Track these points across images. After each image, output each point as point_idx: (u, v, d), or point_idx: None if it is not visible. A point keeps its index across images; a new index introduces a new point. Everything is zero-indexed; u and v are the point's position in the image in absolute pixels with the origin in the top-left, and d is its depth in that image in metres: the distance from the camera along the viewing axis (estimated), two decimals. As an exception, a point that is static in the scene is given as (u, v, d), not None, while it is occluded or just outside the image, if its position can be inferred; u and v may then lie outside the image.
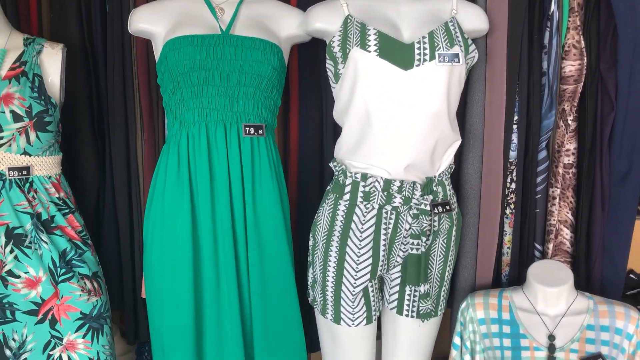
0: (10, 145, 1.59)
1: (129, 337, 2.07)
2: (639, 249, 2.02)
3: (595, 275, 1.75)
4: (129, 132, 1.95)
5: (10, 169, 1.61)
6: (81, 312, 1.65)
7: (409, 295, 1.64)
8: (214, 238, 1.59)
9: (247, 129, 1.58)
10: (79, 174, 1.97)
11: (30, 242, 1.62)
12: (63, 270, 1.64)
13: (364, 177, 1.55)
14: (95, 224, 2.02)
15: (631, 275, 2.16)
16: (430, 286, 1.64)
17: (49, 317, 1.64)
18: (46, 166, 1.67)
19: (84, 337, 1.67)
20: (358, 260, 1.58)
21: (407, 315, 1.66)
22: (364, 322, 1.64)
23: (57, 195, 1.69)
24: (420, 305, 1.63)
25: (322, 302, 1.66)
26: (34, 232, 1.62)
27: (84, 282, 1.66)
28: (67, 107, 1.83)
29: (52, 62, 1.68)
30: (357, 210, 1.57)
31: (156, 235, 1.63)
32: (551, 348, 1.54)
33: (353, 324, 1.63)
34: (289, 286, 1.67)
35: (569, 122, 1.71)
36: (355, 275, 1.59)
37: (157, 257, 1.63)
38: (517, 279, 1.79)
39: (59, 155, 1.71)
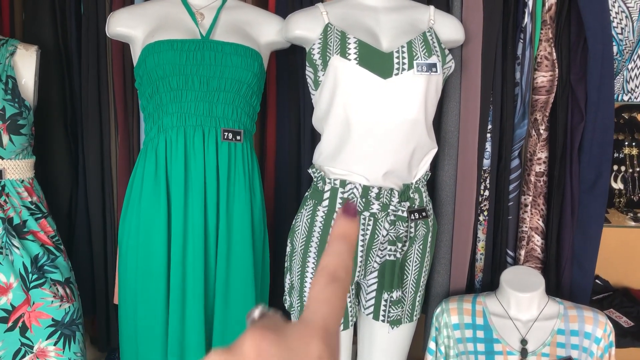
0: (-18, 148, 1.56)
1: (101, 344, 2.04)
2: (605, 256, 2.09)
3: (564, 281, 1.80)
4: (102, 136, 1.92)
5: (-19, 172, 1.57)
6: (53, 319, 1.63)
7: (385, 300, 1.66)
8: (183, 244, 1.58)
9: (226, 134, 1.58)
10: (51, 177, 1.93)
11: (1, 247, 1.59)
12: (35, 276, 1.61)
13: (343, 183, 1.56)
14: (67, 228, 1.98)
15: (597, 281, 2.22)
16: (405, 292, 1.67)
17: (20, 324, 1.61)
18: (19, 170, 1.64)
19: (55, 344, 1.64)
20: (336, 266, 1.59)
21: (383, 321, 1.68)
22: (341, 327, 1.65)
23: (29, 200, 1.66)
24: (392, 311, 1.65)
25: (299, 307, 1.67)
26: (5, 237, 1.59)
27: (56, 288, 1.64)
28: (39, 110, 1.80)
29: (26, 63, 1.65)
30: (335, 216, 1.58)
31: (131, 241, 1.62)
32: (523, 352, 1.58)
33: (330, 330, 1.64)
34: (248, 292, 1.66)
35: (541, 131, 1.75)
36: (333, 281, 1.60)
37: (132, 263, 1.62)
38: (490, 285, 1.82)
39: (32, 159, 1.68)
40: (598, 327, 1.60)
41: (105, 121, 1.92)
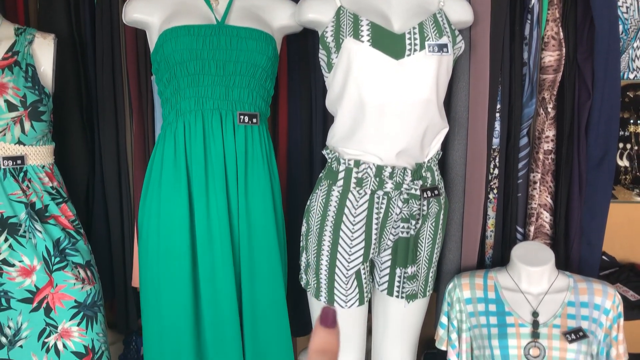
0: (4, 134, 1.59)
1: (120, 327, 2.09)
2: (611, 232, 2.13)
3: (573, 256, 1.84)
4: (118, 122, 1.96)
5: (4, 158, 1.61)
6: (75, 301, 1.67)
7: (399, 277, 1.71)
8: (208, 225, 1.63)
9: (242, 117, 1.62)
10: (68, 164, 1.97)
11: (25, 231, 1.63)
12: (57, 259, 1.65)
13: (357, 163, 1.60)
14: (85, 214, 2.02)
15: (604, 257, 2.26)
16: (418, 268, 1.71)
17: (44, 305, 1.65)
18: (40, 156, 1.67)
19: (78, 325, 1.68)
20: (351, 244, 1.64)
21: (397, 297, 1.73)
22: (357, 303, 1.69)
23: (50, 185, 1.69)
24: (407, 286, 1.70)
25: (315, 285, 1.71)
26: (28, 221, 1.63)
27: (78, 271, 1.68)
28: (56, 98, 1.83)
29: (44, 52, 1.69)
30: (350, 196, 1.62)
31: (152, 224, 1.66)
32: (535, 324, 1.63)
33: (346, 306, 1.69)
34: (275, 270, 1.70)
35: (549, 110, 1.79)
36: (349, 259, 1.65)
37: (154, 245, 1.66)
38: (501, 261, 1.87)
39: (51, 145, 1.72)
40: (607, 298, 1.64)
41: (120, 108, 1.95)
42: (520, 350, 1.61)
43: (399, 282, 1.71)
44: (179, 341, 1.67)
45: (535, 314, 1.64)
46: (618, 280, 2.17)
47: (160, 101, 1.70)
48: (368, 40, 1.53)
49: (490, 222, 1.86)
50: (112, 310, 2.15)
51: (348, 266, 1.65)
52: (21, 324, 1.65)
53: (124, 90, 1.95)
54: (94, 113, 1.98)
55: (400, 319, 1.76)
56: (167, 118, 1.65)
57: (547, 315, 1.64)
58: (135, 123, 1.96)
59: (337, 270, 1.66)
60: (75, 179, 1.99)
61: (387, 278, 1.73)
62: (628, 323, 1.86)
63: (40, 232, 1.63)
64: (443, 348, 1.76)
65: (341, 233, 1.63)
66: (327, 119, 1.92)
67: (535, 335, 1.62)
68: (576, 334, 1.59)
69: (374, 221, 1.63)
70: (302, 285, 1.79)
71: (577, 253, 1.84)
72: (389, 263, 1.71)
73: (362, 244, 1.64)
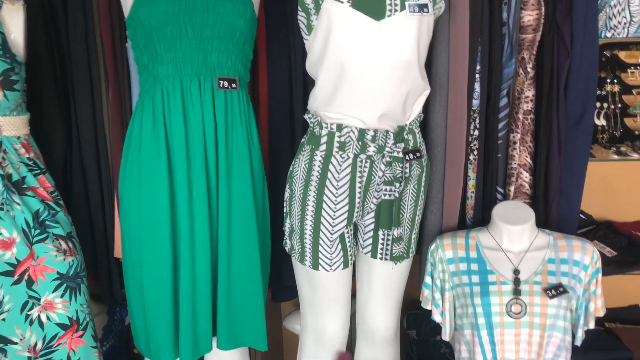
0: (-24, 105, 1.55)
1: (104, 298, 2.08)
2: (589, 191, 2.16)
3: (552, 215, 1.87)
4: (93, 91, 1.92)
5: (-22, 129, 1.57)
6: (58, 272, 1.65)
7: (382, 239, 1.72)
8: (189, 191, 1.61)
9: (221, 82, 1.59)
10: (44, 134, 1.93)
11: (2, 204, 1.60)
12: (37, 231, 1.63)
13: (339, 127, 1.60)
14: (64, 185, 1.99)
15: (581, 216, 2.30)
16: (402, 230, 1.72)
17: (25, 277, 1.64)
18: (15, 126, 1.63)
19: (61, 296, 1.67)
20: (335, 208, 1.64)
21: (380, 258, 1.74)
22: (341, 266, 1.71)
23: (27, 156, 1.66)
24: (394, 248, 1.71)
25: (300, 250, 1.72)
26: (6, 194, 1.60)
27: (59, 243, 1.66)
28: (28, 67, 1.78)
29: (14, 18, 1.63)
30: (333, 160, 1.62)
31: (133, 193, 1.64)
32: (516, 281, 1.66)
33: (331, 269, 1.70)
34: (251, 237, 1.70)
35: (528, 69, 1.79)
36: (333, 223, 1.65)
37: (136, 215, 1.64)
38: (481, 221, 1.89)
39: (26, 115, 1.68)
40: (586, 255, 1.68)
41: (95, 76, 1.91)
42: (502, 307, 1.65)
43: (383, 244, 1.73)
44: (161, 310, 1.67)
45: (516, 272, 1.67)
46: (595, 238, 2.22)
47: (137, 68, 1.67)
48: (348, 1, 1.51)
49: (471, 183, 1.88)
50: (96, 282, 2.14)
51: (332, 230, 1.66)
52: (3, 297, 1.63)
53: (98, 58, 1.91)
54: (68, 82, 1.94)
55: (384, 280, 1.78)
56: (145, 85, 1.62)
57: (528, 272, 1.67)
58: (112, 91, 1.92)
59: (321, 235, 1.66)
60: (52, 150, 1.95)
61: (370, 241, 1.74)
62: (605, 278, 1.90)
63: (18, 204, 1.60)
64: (428, 307, 1.79)
65: (324, 197, 1.63)
66: (308, 83, 1.90)
67: (516, 292, 1.65)
68: (556, 290, 1.63)
69: (357, 185, 1.63)
70: (287, 251, 1.79)
71: (557, 211, 1.87)
72: (372, 226, 1.72)
73: (346, 208, 1.65)
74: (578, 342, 1.71)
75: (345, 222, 1.66)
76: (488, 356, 1.67)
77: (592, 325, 1.70)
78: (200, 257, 1.65)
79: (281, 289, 2.06)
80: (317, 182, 1.63)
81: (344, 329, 1.80)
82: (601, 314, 1.72)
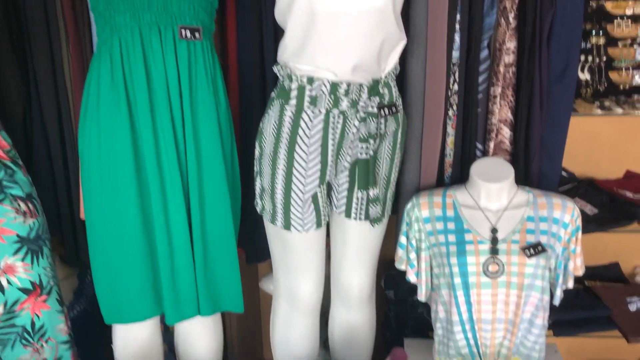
0: None
1: (71, 260, 2.02)
2: (571, 147, 2.10)
3: (533, 172, 1.81)
4: (52, 43, 1.81)
5: None
6: (18, 235, 1.58)
7: (357, 199, 1.66)
8: (155, 147, 1.53)
9: (183, 31, 1.49)
10: (1, 92, 1.82)
11: (-47, 164, 1.51)
12: (-7, 193, 1.55)
13: (310, 80, 1.51)
14: (24, 145, 1.90)
15: (563, 173, 2.25)
16: (379, 191, 1.66)
17: None
18: (-36, 81, 1.53)
19: (22, 260, 1.60)
20: (307, 166, 1.57)
21: (355, 218, 1.68)
22: (314, 227, 1.64)
23: (-21, 113, 1.56)
24: (370, 209, 1.65)
25: (271, 210, 1.65)
26: (-43, 153, 1.51)
27: (18, 204, 1.58)
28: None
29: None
30: (304, 115, 1.53)
31: (93, 151, 1.55)
32: (494, 240, 1.61)
33: (303, 230, 1.64)
34: (222, 195, 1.63)
35: (510, 20, 1.71)
36: (305, 182, 1.58)
37: (96, 172, 1.56)
38: (460, 179, 1.83)
39: (-23, 70, 1.57)
40: (566, 212, 1.63)
41: (54, 27, 1.79)
42: (479, 267, 1.60)
43: (357, 204, 1.66)
44: (133, 271, 1.61)
45: (494, 231, 1.62)
46: (577, 195, 2.17)
47: (93, 16, 1.56)
48: None
49: (450, 139, 1.81)
50: (63, 245, 2.06)
51: (304, 190, 1.59)
52: (-41, 262, 1.56)
53: (56, 7, 1.79)
54: (24, 34, 1.82)
55: (358, 241, 1.73)
56: (102, 35, 1.52)
57: (506, 231, 1.62)
58: (72, 43, 1.81)
59: (292, 195, 1.59)
60: (9, 108, 1.85)
61: (344, 200, 1.68)
62: (586, 236, 1.86)
63: (-29, 164, 1.52)
64: (402, 268, 1.75)
65: (296, 156, 1.56)
66: (279, 33, 1.79)
67: (494, 251, 1.60)
68: (535, 249, 1.58)
69: (330, 142, 1.56)
70: (258, 211, 1.72)
71: (537, 168, 1.81)
72: (346, 185, 1.66)
73: (318, 167, 1.57)
74: (556, 302, 1.68)
75: (317, 182, 1.59)
76: (464, 316, 1.63)
77: (570, 284, 1.67)
78: (174, 215, 1.59)
79: (255, 250, 2.00)
80: (288, 139, 1.55)
81: (318, 291, 1.75)
82: (580, 273, 1.68)
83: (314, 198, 1.61)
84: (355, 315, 1.82)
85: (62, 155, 1.90)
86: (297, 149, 1.55)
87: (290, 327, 1.78)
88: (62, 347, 1.74)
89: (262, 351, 2.55)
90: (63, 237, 2.01)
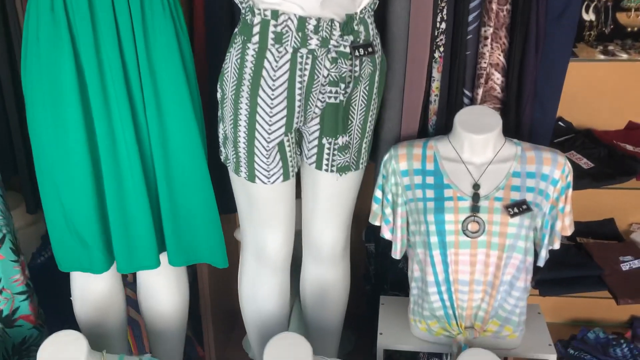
0: None
1: (29, 206, 1.90)
2: (570, 95, 1.94)
3: (524, 122, 1.66)
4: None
5: None
6: None
7: (328, 148, 1.52)
8: (100, 80, 1.38)
9: None
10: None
11: None
12: None
13: (275, 14, 1.34)
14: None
15: (560, 123, 2.10)
16: (350, 138, 1.52)
17: None
18: None
19: None
20: (271, 112, 1.42)
21: (326, 170, 1.55)
22: (280, 178, 1.51)
23: None
24: (338, 158, 1.51)
25: (234, 159, 1.52)
26: None
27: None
28: None
29: None
30: (268, 54, 1.37)
31: (35, 86, 1.41)
32: (475, 197, 1.48)
33: (269, 181, 1.51)
34: (192, 136, 1.48)
35: (506, -50, 1.52)
36: (269, 129, 1.44)
37: (40, 111, 1.42)
38: (445, 129, 1.68)
39: None
40: (556, 168, 1.49)
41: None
42: (457, 225, 1.47)
43: (329, 154, 1.53)
44: (82, 219, 1.50)
45: (476, 186, 1.48)
46: (573, 148, 2.02)
47: None
48: None
49: (435, 85, 1.65)
50: (21, 188, 1.94)
51: (268, 137, 1.45)
52: None
53: None
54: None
55: (330, 194, 1.60)
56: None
57: (489, 187, 1.48)
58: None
59: (256, 143, 1.45)
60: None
61: (315, 150, 1.54)
62: (579, 193, 1.73)
63: None
64: (376, 223, 1.62)
65: (259, 100, 1.41)
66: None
67: (474, 209, 1.47)
68: (519, 207, 1.45)
69: (297, 85, 1.40)
70: (222, 160, 1.59)
71: (529, 118, 1.66)
72: (317, 134, 1.51)
73: (284, 112, 1.43)
74: (541, 263, 1.56)
75: (283, 129, 1.45)
76: (440, 277, 1.52)
77: (557, 245, 1.55)
78: (124, 157, 1.45)
79: (226, 199, 1.87)
80: (250, 81, 1.40)
81: (286, 246, 1.64)
82: (568, 233, 1.55)
83: (280, 147, 1.47)
84: (327, 271, 1.72)
85: (13, 92, 1.75)
86: (260, 92, 1.40)
87: (258, 283, 1.68)
88: (18, 298, 1.66)
89: (235, 304, 2.48)
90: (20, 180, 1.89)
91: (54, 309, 1.91)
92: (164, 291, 1.71)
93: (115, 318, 1.72)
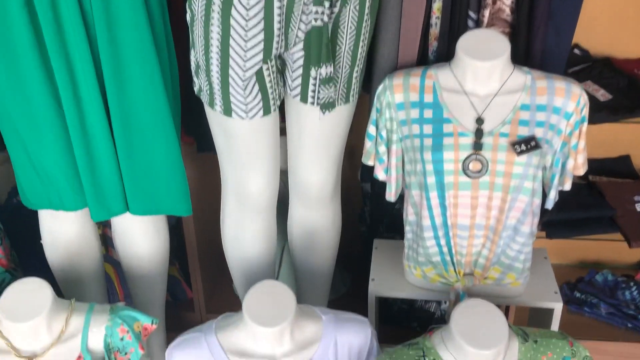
0: None
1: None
2: (587, 19, 1.74)
3: (536, 48, 1.47)
4: None
5: None
6: None
7: (315, 79, 1.35)
8: (55, 21, 1.22)
9: None
10: None
11: None
12: None
13: None
14: None
15: (576, 51, 1.91)
16: (339, 67, 1.35)
17: None
18: None
19: None
20: (246, 35, 1.25)
21: (312, 104, 1.39)
22: (260, 113, 1.36)
23: None
24: (322, 91, 1.35)
25: (208, 91, 1.36)
26: None
27: None
28: None
29: None
30: None
31: None
32: (478, 133, 1.32)
33: (247, 116, 1.35)
34: (152, 72, 1.33)
35: None
36: (245, 56, 1.27)
37: None
38: (447, 56, 1.50)
39: None
40: (570, 100, 1.32)
41: None
42: (457, 165, 1.32)
43: (315, 84, 1.36)
44: (46, 155, 1.38)
45: (479, 121, 1.32)
46: (589, 78, 1.84)
47: None
48: None
49: (436, 5, 1.45)
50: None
51: (244, 66, 1.28)
52: None
53: None
54: None
55: (317, 131, 1.45)
56: None
57: (495, 121, 1.32)
58: None
59: (231, 72, 1.29)
60: None
61: (299, 81, 1.37)
62: (594, 127, 1.57)
63: None
64: (370, 163, 1.47)
65: (232, 21, 1.23)
66: None
67: (477, 146, 1.31)
68: (527, 144, 1.29)
69: (276, 4, 1.22)
70: (195, 92, 1.43)
71: (542, 44, 1.47)
72: (301, 62, 1.34)
73: (261, 36, 1.25)
74: (549, 205, 1.42)
75: (261, 56, 1.28)
76: (437, 221, 1.38)
77: (568, 186, 1.40)
78: (86, 95, 1.31)
79: (207, 137, 1.72)
80: (221, 0, 1.22)
81: (270, 187, 1.50)
82: (581, 172, 1.40)
83: (259, 77, 1.31)
84: (315, 214, 1.59)
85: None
86: (233, 12, 1.22)
87: (241, 227, 1.55)
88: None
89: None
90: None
91: (30, 251, 1.81)
92: (140, 236, 1.59)
93: (90, 263, 1.61)
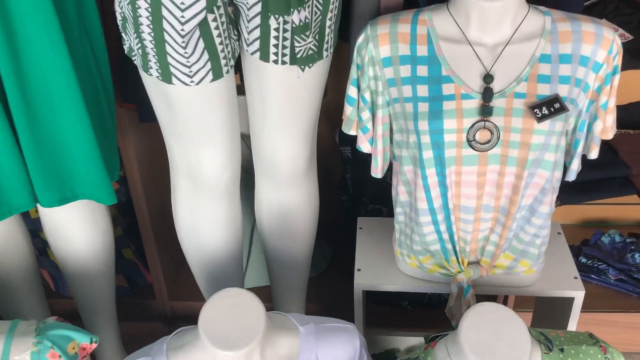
0: None
1: None
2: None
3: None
4: None
5: None
6: None
7: (277, 29, 1.05)
8: None
9: None
10: None
11: None
12: None
13: None
14: None
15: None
16: (309, 13, 1.05)
17: None
18: None
19: None
20: (182, -24, 0.94)
21: (275, 62, 1.09)
22: (209, 76, 1.06)
23: None
24: (296, 44, 1.05)
25: (140, 51, 1.05)
26: None
27: None
28: None
29: None
30: None
31: None
32: (487, 94, 1.04)
33: (192, 82, 1.05)
34: (54, 35, 1.03)
35: None
36: (182, 4, 0.96)
37: None
38: (441, -6, 1.21)
39: None
40: (601, 47, 1.04)
41: None
42: (461, 135, 1.05)
43: (277, 37, 1.06)
44: None
45: (488, 78, 1.04)
46: (603, 15, 1.57)
47: None
48: None
49: None
50: None
51: (182, 16, 0.97)
52: None
53: None
54: None
55: (284, 95, 1.16)
56: None
57: (507, 78, 1.04)
58: None
59: (165, 24, 0.98)
60: None
61: (258, 33, 1.07)
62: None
63: None
64: (352, 132, 1.19)
65: (162, -43, 0.92)
66: None
67: (485, 111, 1.04)
68: (549, 107, 1.02)
69: None
70: (125, 52, 1.12)
71: (558, -25, 1.19)
72: (258, 8, 1.04)
73: (203, -25, 0.95)
74: (571, 177, 1.17)
75: (204, 3, 0.97)
76: (435, 203, 1.12)
77: (595, 154, 1.14)
78: None
79: (149, 102, 1.42)
80: None
81: (229, 166, 1.23)
82: (610, 136, 1.14)
83: (204, 30, 1.00)
84: (287, 195, 1.32)
85: None
86: (162, -55, 0.91)
87: (197, 214, 1.28)
88: None
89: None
90: None
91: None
92: (74, 229, 1.31)
93: (18, 263, 1.34)
